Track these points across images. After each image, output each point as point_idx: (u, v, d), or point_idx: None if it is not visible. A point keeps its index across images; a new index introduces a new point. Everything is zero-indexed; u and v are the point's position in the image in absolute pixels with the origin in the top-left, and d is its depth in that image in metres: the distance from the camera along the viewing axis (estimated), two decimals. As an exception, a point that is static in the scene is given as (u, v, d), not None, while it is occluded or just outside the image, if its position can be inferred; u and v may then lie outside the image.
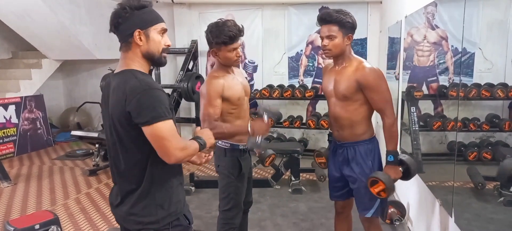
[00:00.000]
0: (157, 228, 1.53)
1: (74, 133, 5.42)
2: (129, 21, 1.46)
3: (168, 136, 1.41)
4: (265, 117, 2.19)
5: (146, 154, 1.48)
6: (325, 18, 2.11)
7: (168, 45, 1.56)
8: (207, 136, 1.66)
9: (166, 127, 1.41)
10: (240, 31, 2.21)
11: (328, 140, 2.55)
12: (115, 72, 1.54)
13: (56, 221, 2.78)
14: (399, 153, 2.20)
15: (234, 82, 2.29)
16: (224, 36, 2.15)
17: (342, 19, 2.07)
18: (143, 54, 1.50)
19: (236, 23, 2.21)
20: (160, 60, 1.54)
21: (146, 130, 1.40)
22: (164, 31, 1.54)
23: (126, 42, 1.49)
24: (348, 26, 2.10)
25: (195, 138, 1.63)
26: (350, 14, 2.13)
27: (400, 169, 2.17)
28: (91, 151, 5.76)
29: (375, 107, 2.14)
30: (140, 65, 1.50)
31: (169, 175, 1.57)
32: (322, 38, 2.14)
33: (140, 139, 1.43)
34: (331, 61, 2.33)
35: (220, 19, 2.26)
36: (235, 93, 2.26)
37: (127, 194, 1.55)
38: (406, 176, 2.22)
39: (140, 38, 1.47)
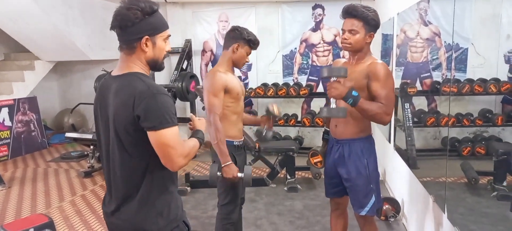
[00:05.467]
0: None
1: (68, 134, 5.38)
2: (139, 26, 1.40)
3: (173, 143, 1.40)
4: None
5: (146, 159, 1.44)
6: (350, 12, 2.07)
7: (169, 51, 1.54)
8: (204, 126, 1.74)
9: (171, 133, 1.39)
10: (257, 43, 2.50)
11: (322, 137, 2.54)
12: (114, 74, 1.50)
13: (50, 225, 2.76)
14: (393, 151, 2.18)
15: (235, 79, 2.47)
16: (254, 38, 2.43)
17: (367, 16, 2.04)
18: (147, 60, 1.48)
19: None
20: (161, 66, 1.53)
21: (152, 135, 1.38)
22: (168, 37, 1.52)
23: (130, 45, 1.44)
24: (372, 24, 2.07)
25: (195, 133, 1.65)
26: (376, 12, 2.09)
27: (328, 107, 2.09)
28: (86, 153, 5.73)
29: (377, 100, 2.07)
30: (142, 69, 1.48)
31: (168, 181, 1.54)
32: (344, 31, 2.11)
33: (143, 143, 1.41)
34: (342, 58, 2.31)
35: None
36: (236, 88, 2.41)
37: (124, 201, 1.50)
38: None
39: (146, 44, 1.44)
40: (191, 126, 1.76)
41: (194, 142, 1.59)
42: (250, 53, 2.47)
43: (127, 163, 1.46)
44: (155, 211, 1.49)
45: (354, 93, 1.98)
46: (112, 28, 1.44)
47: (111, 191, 1.55)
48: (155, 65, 1.51)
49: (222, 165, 2.32)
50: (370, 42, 2.12)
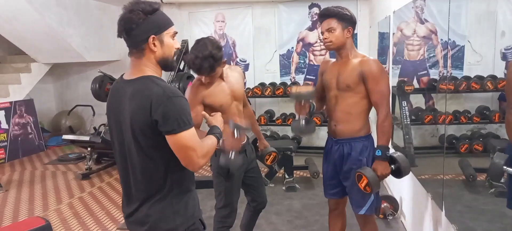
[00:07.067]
0: None
1: (65, 137, 5.36)
2: (143, 26, 1.40)
3: (193, 145, 1.41)
4: (235, 133, 2.15)
5: (165, 160, 1.46)
6: (324, 13, 2.20)
7: (178, 48, 1.53)
8: (220, 121, 1.73)
9: (190, 135, 1.40)
10: (199, 68, 2.14)
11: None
12: (126, 78, 1.49)
13: (47, 228, 2.74)
14: (391, 149, 2.18)
15: (218, 90, 2.31)
16: (189, 57, 2.16)
17: (339, 12, 2.15)
18: (158, 60, 1.46)
19: (210, 55, 2.12)
20: (172, 64, 1.52)
21: (171, 139, 1.39)
22: (175, 34, 1.51)
23: (138, 48, 1.43)
24: (347, 19, 2.16)
25: (211, 129, 1.66)
26: (348, 9, 2.21)
27: (392, 166, 2.16)
28: (83, 155, 5.70)
29: (373, 99, 2.16)
30: (154, 71, 1.47)
31: (187, 181, 1.55)
32: (323, 32, 2.21)
33: (161, 145, 1.41)
34: (328, 57, 2.35)
35: (210, 36, 2.28)
36: (217, 101, 2.29)
37: (145, 201, 1.50)
38: (397, 174, 2.19)
39: (154, 44, 1.43)
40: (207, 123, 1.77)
41: (212, 140, 1.60)
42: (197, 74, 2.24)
43: (147, 165, 1.46)
44: (172, 209, 1.50)
45: (379, 153, 2.12)
46: (119, 35, 1.44)
47: (130, 193, 1.54)
48: (166, 64, 1.50)
49: (221, 146, 2.23)
50: (350, 38, 2.21)
